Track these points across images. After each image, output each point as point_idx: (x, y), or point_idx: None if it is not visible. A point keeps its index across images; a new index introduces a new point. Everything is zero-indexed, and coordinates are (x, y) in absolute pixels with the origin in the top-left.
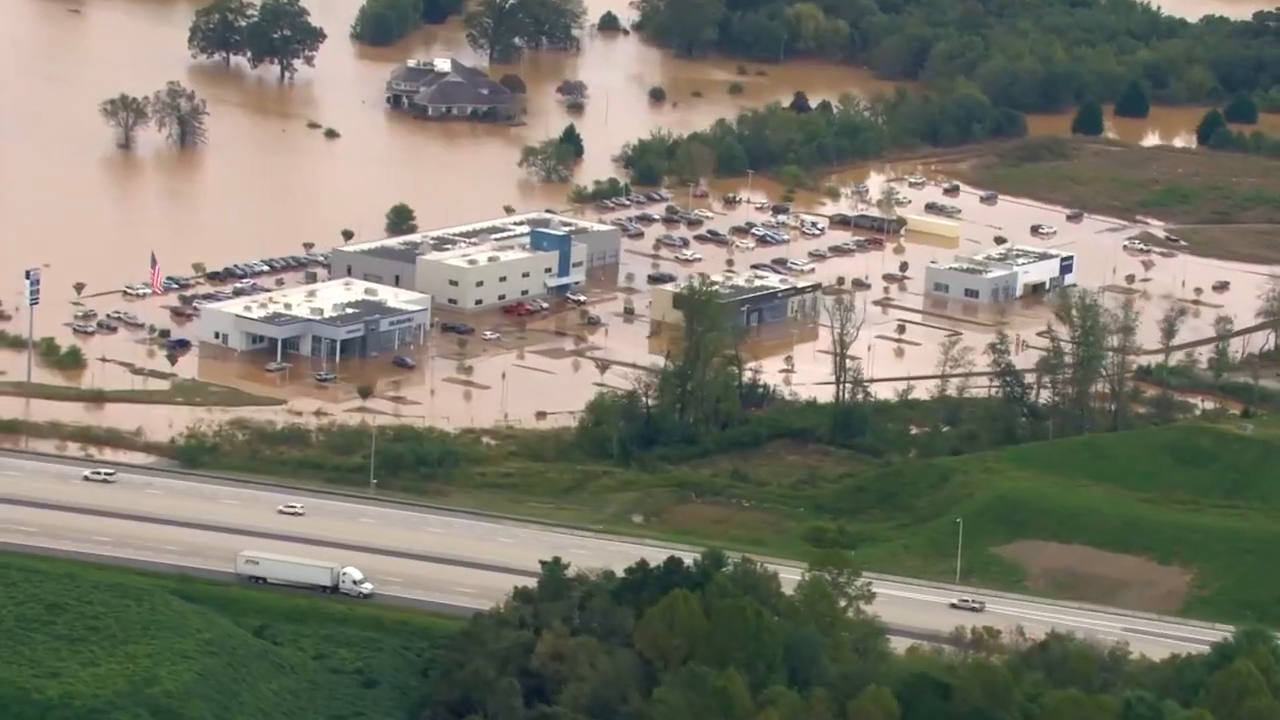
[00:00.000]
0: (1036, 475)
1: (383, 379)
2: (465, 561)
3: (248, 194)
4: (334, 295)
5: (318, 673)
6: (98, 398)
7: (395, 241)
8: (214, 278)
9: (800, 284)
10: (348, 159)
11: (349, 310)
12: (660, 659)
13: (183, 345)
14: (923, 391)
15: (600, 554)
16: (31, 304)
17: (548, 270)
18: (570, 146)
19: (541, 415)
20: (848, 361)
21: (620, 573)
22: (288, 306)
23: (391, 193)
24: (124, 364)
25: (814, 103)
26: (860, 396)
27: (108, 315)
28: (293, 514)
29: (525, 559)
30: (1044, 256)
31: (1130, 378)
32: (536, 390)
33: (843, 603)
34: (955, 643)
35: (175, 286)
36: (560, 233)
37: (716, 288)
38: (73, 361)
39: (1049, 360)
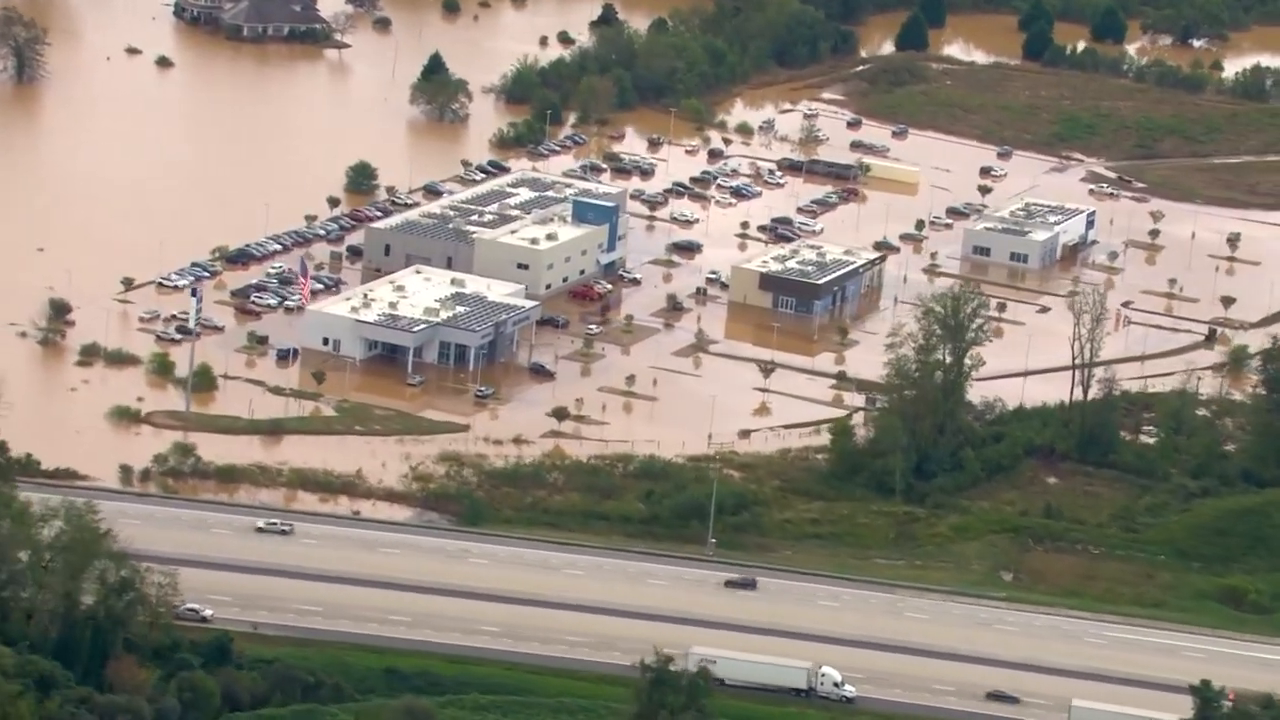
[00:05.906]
0: None
1: (522, 387)
2: (903, 648)
3: (142, 145)
4: (423, 288)
5: None
6: (275, 430)
7: (417, 214)
8: (233, 261)
9: (870, 256)
10: (202, 95)
11: (460, 308)
12: None
13: (292, 354)
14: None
15: (1075, 642)
16: (196, 324)
17: (599, 246)
18: (460, 80)
19: (745, 434)
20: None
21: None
22: (392, 306)
23: (291, 139)
24: (255, 382)
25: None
26: (1102, 400)
27: (174, 317)
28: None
29: (962, 640)
30: (1067, 212)
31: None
32: (700, 400)
33: None
34: None
35: (206, 275)
36: (609, 203)
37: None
38: (204, 383)
39: None
